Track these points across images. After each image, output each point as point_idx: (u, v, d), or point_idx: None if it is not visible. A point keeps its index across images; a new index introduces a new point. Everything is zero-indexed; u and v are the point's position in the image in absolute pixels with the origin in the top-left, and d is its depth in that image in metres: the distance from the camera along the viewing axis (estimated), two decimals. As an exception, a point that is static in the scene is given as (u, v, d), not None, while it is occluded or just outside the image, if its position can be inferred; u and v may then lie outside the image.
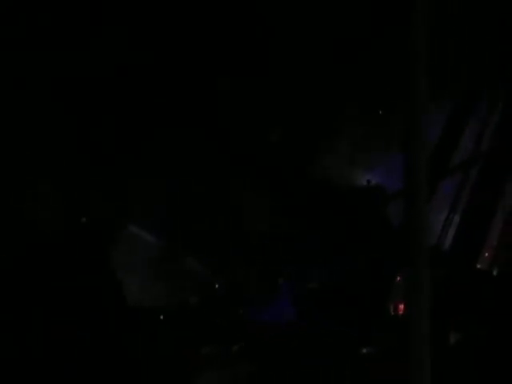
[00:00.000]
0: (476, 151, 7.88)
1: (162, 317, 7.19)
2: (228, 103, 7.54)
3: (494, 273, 7.61)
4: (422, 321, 4.09)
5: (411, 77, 4.09)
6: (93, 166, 7.27)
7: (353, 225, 7.63)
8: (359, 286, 7.51)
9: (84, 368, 6.68)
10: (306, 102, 7.89)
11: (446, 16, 6.96)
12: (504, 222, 7.87)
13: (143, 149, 7.38)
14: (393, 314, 7.39)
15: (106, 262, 7.21)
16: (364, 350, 7.25)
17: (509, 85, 7.95)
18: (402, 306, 7.21)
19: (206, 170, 7.54)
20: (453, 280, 7.36)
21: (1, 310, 6.67)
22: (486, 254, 7.74)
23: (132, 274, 7.29)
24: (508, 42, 7.67)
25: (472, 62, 7.70)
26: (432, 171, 4.39)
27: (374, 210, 7.79)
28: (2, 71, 6.87)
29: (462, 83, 7.78)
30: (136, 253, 7.39)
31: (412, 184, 4.15)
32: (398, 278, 7.28)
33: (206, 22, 7.34)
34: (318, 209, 7.66)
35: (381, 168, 8.01)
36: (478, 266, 7.71)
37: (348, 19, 7.46)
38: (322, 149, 7.95)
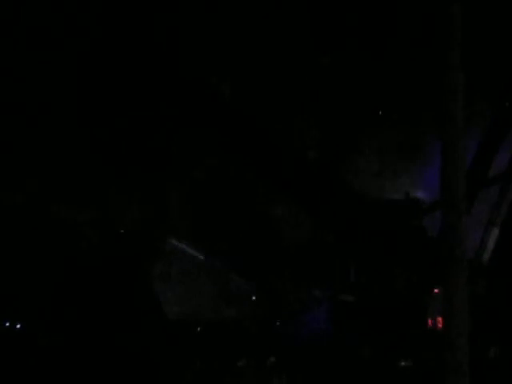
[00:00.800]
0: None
1: (198, 329, 7.21)
2: (267, 120, 7.57)
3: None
4: (460, 334, 4.06)
5: (449, 91, 4.09)
6: (136, 180, 7.33)
7: (390, 237, 7.59)
8: (396, 299, 7.46)
9: (122, 376, 6.72)
10: (343, 119, 7.90)
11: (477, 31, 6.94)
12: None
13: (184, 164, 7.42)
14: (431, 327, 7.33)
15: (145, 272, 7.26)
16: (402, 363, 7.20)
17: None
18: (440, 320, 7.15)
19: (245, 185, 7.56)
20: (492, 293, 7.29)
21: (49, 317, 6.76)
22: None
23: (170, 286, 7.32)
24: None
25: (508, 74, 7.67)
26: (470, 184, 4.37)
27: (412, 222, 7.75)
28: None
29: (499, 97, 7.73)
30: (175, 265, 7.42)
31: (450, 196, 4.13)
32: (436, 291, 7.23)
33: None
34: (356, 221, 7.63)
35: (419, 181, 7.97)
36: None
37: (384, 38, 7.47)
38: (360, 161, 7.94)
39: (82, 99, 7.15)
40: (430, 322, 7.35)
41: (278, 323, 7.49)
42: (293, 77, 7.66)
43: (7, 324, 6.92)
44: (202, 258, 7.47)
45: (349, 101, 7.81)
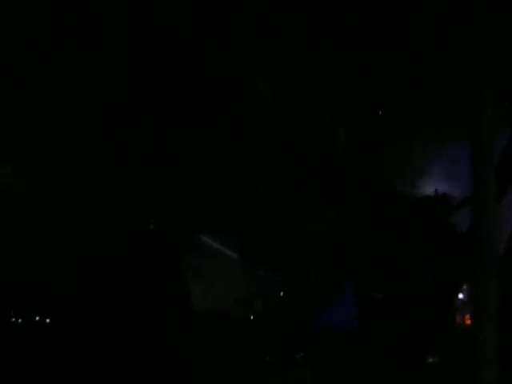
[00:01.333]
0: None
1: (226, 322, 7.24)
2: (292, 113, 7.57)
3: None
4: (488, 331, 4.05)
5: (477, 88, 4.08)
6: (161, 175, 7.36)
7: (419, 234, 7.57)
8: (425, 294, 7.44)
9: (148, 369, 6.77)
10: (371, 110, 7.88)
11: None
12: None
13: (209, 158, 7.44)
14: (459, 323, 7.30)
15: (175, 266, 7.30)
16: (430, 360, 7.18)
17: None
18: (468, 316, 7.12)
19: (270, 174, 7.56)
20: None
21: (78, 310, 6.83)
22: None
23: (198, 280, 7.35)
24: None
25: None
26: (499, 179, 4.34)
27: (440, 219, 7.72)
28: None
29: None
30: (203, 258, 7.45)
31: (480, 192, 4.12)
32: (465, 287, 7.20)
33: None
34: (385, 217, 7.62)
35: (449, 177, 7.94)
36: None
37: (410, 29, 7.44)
38: (390, 155, 7.92)
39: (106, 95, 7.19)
40: (458, 318, 7.32)
41: (305, 319, 7.50)
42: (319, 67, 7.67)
43: (35, 318, 6.99)
44: (230, 252, 7.50)
45: (378, 94, 7.79)
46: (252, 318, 7.45)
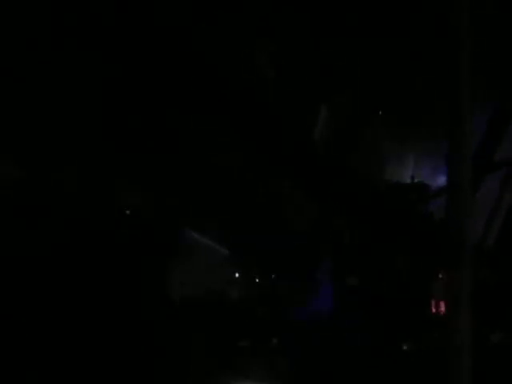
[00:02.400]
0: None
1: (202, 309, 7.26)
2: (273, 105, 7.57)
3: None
4: (463, 319, 4.08)
5: (456, 77, 4.09)
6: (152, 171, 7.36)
7: (395, 222, 7.60)
8: (400, 283, 7.49)
9: (133, 357, 6.79)
10: (350, 104, 7.91)
11: (485, 17, 6.92)
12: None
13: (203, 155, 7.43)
14: (434, 311, 7.36)
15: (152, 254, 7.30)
16: (404, 347, 7.23)
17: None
18: (443, 304, 7.17)
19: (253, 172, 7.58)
20: (495, 279, 7.31)
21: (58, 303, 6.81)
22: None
23: (180, 269, 7.37)
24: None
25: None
26: (475, 168, 4.37)
27: (417, 207, 7.76)
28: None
29: (505, 83, 7.72)
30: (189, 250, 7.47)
31: (456, 181, 4.14)
32: (440, 276, 7.25)
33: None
34: (361, 205, 7.64)
35: (425, 165, 7.97)
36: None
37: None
38: (364, 146, 7.95)
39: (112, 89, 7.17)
40: (433, 305, 7.37)
41: (281, 306, 7.52)
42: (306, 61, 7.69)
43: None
44: (214, 245, 7.52)
45: (358, 87, 7.82)
46: (225, 305, 7.47)
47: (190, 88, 7.16)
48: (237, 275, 7.64)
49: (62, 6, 6.81)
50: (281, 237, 7.58)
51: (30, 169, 7.12)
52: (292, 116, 7.65)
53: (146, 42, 6.95)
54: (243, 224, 7.58)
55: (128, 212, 7.38)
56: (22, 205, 6.99)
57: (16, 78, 6.86)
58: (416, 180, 7.88)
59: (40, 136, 7.06)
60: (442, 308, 7.20)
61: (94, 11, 6.83)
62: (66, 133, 7.11)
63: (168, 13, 6.98)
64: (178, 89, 7.16)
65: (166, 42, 6.97)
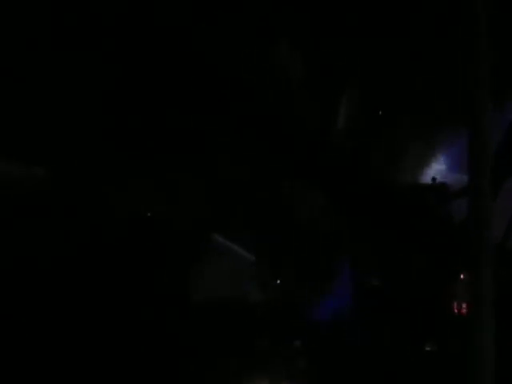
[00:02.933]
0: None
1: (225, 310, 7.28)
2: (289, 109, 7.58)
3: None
4: (485, 320, 4.07)
5: (475, 78, 4.09)
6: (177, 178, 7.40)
7: (416, 223, 7.59)
8: (422, 284, 7.47)
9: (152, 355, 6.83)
10: (364, 101, 7.91)
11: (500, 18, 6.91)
12: None
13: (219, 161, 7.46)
14: (456, 312, 7.34)
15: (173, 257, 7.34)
16: (427, 348, 7.21)
17: None
18: (465, 305, 7.16)
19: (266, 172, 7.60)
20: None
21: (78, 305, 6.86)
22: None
23: (204, 272, 7.40)
24: None
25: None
26: (496, 170, 4.37)
27: (438, 208, 7.74)
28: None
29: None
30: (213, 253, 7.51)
31: (476, 182, 4.14)
32: (462, 277, 7.23)
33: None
34: (382, 207, 7.64)
35: (446, 166, 7.96)
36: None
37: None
38: (388, 147, 7.95)
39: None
40: (455, 307, 7.35)
41: (303, 307, 7.53)
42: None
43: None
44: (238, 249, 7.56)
45: (373, 85, 7.81)
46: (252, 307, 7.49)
47: (209, 91, 7.21)
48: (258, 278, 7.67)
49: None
50: (301, 238, 7.60)
51: (52, 170, 7.17)
52: (311, 116, 7.67)
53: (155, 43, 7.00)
54: (265, 227, 7.60)
55: (149, 214, 7.43)
56: (48, 205, 7.06)
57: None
58: (437, 180, 7.87)
59: (68, 137, 7.12)
60: (464, 309, 7.18)
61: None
62: (85, 137, 7.16)
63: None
64: (193, 91, 7.20)
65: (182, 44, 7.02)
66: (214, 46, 7.21)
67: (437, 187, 7.83)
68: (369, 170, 7.76)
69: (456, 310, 7.33)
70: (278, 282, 7.68)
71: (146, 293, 7.09)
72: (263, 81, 7.41)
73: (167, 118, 7.31)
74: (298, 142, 7.50)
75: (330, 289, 7.53)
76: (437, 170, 7.98)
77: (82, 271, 6.97)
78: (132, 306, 7.00)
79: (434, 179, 7.86)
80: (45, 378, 6.63)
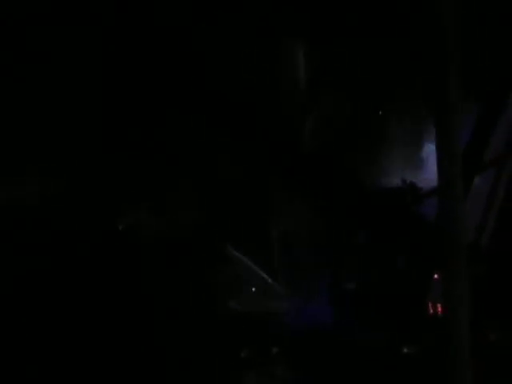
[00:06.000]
0: (508, 148, 7.81)
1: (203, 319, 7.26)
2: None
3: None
4: (460, 319, 4.07)
5: (443, 77, 4.09)
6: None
7: (388, 224, 7.60)
8: (397, 285, 7.48)
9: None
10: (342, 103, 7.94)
11: (472, 16, 6.96)
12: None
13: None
14: (431, 312, 7.35)
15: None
16: (404, 350, 7.21)
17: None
18: (440, 305, 7.17)
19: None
20: (491, 277, 7.30)
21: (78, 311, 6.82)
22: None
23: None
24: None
25: (499, 62, 7.69)
26: (466, 168, 4.37)
27: (409, 209, 7.76)
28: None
29: (491, 83, 7.75)
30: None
31: (446, 181, 4.14)
32: (436, 277, 7.24)
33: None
34: (353, 208, 7.65)
35: (414, 167, 7.99)
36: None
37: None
38: (355, 150, 7.97)
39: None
40: (430, 307, 7.36)
41: (279, 314, 7.51)
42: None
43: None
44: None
45: (347, 88, 7.85)
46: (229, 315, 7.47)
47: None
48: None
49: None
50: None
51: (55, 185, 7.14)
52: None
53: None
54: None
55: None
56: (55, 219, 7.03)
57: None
58: (407, 182, 7.89)
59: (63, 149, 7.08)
60: (440, 309, 7.19)
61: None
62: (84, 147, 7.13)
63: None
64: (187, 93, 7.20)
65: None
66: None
67: (408, 188, 7.85)
68: (343, 172, 7.78)
69: (431, 310, 7.34)
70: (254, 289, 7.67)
71: (139, 298, 7.08)
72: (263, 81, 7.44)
73: (166, 119, 7.32)
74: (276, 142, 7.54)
75: (312, 293, 7.54)
76: (407, 171, 8.01)
77: (97, 283, 6.96)
78: (127, 310, 6.99)
79: (404, 181, 7.88)
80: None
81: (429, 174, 7.52)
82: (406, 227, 7.57)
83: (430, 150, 7.77)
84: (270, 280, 7.67)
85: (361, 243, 7.67)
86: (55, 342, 6.77)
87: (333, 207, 7.59)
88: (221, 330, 7.18)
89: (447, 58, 4.11)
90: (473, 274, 4.27)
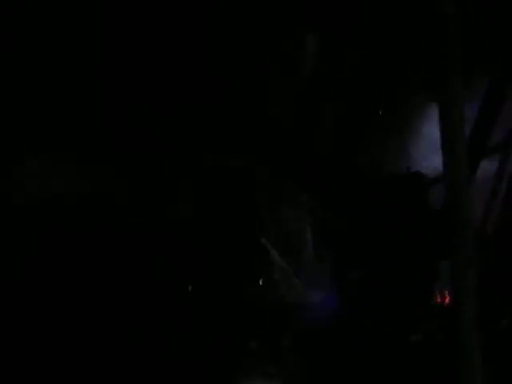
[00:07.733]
0: None
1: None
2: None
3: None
4: (468, 307, 4.05)
5: (446, 62, 4.06)
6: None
7: (395, 213, 7.58)
8: (404, 274, 7.46)
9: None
10: (338, 93, 7.91)
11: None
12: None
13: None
14: (439, 301, 7.34)
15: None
16: (412, 338, 7.20)
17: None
18: (447, 293, 7.16)
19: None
20: (498, 265, 7.29)
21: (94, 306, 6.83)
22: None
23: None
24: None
25: (505, 45, 7.65)
26: (470, 154, 4.35)
27: (414, 197, 7.74)
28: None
29: (495, 68, 7.71)
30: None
31: (451, 167, 4.11)
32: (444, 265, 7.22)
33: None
34: (358, 198, 7.63)
35: (420, 154, 7.97)
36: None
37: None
38: (359, 139, 7.96)
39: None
40: (437, 296, 7.35)
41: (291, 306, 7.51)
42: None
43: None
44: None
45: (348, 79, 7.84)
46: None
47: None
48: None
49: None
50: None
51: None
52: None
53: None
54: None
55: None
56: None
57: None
58: (411, 170, 7.87)
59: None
60: (447, 297, 7.19)
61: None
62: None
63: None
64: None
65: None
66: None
67: (412, 176, 7.83)
68: (346, 162, 7.78)
69: (439, 300, 7.33)
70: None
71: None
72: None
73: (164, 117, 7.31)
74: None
75: (316, 287, 7.54)
76: (410, 158, 7.99)
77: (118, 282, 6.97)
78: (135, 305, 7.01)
79: (408, 168, 7.86)
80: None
81: (433, 163, 7.51)
82: (412, 215, 7.55)
83: (434, 138, 7.74)
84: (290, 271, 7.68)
85: (366, 232, 7.66)
86: (56, 342, 6.76)
87: (335, 196, 7.61)
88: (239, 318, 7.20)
89: (448, 46, 4.09)
90: (481, 260, 4.25)
